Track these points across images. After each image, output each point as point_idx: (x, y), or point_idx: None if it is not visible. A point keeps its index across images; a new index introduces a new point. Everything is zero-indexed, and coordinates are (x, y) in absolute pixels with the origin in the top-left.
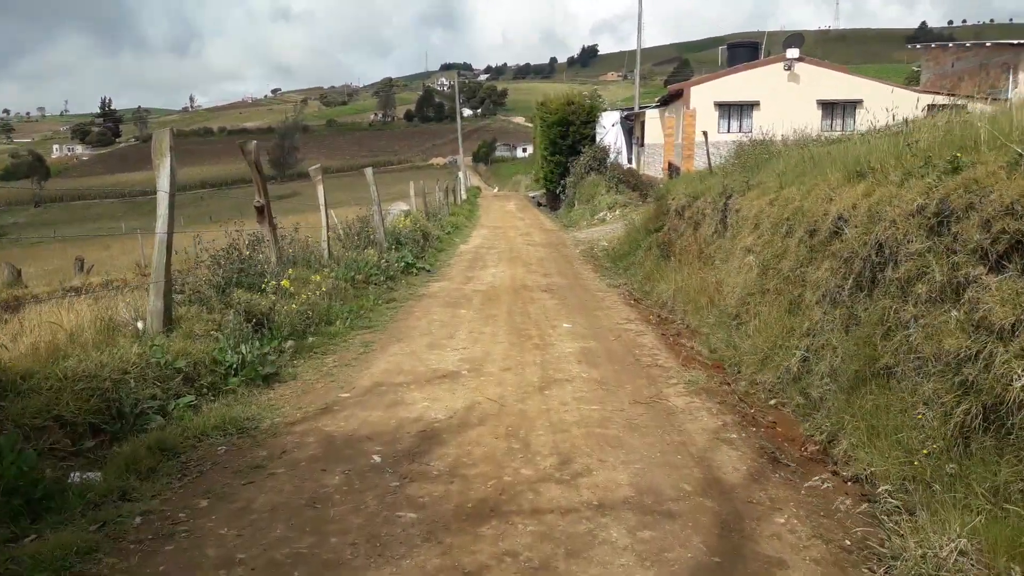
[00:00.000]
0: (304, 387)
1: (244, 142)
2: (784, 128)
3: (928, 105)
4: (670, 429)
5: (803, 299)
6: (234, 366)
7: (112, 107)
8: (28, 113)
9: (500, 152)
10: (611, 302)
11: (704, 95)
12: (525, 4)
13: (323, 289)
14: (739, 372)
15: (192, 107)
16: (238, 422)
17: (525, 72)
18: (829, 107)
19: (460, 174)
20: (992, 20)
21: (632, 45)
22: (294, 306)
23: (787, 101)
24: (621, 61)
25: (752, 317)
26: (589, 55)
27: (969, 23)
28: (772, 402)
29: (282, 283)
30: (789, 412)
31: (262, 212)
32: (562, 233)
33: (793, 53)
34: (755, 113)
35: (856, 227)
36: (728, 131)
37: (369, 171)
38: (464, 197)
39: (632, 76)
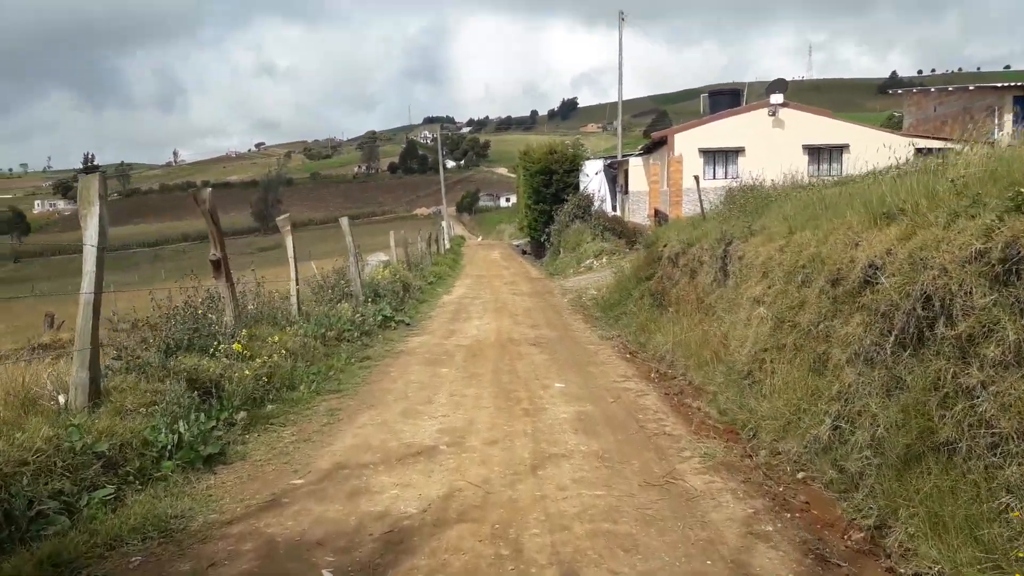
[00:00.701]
0: (252, 470)
1: (197, 190)
2: (772, 173)
3: (916, 149)
4: (692, 521)
5: (829, 357)
6: (169, 447)
7: (95, 162)
8: (11, 169)
9: (484, 202)
10: (605, 356)
11: (688, 142)
12: (507, 59)
13: (288, 348)
14: (756, 438)
15: (176, 162)
16: (163, 521)
17: (507, 125)
18: (815, 152)
19: (443, 223)
20: (960, 69)
21: (611, 98)
22: (247, 372)
23: (772, 146)
24: (601, 113)
25: (767, 375)
26: (569, 108)
27: (938, 72)
28: (800, 475)
29: (233, 346)
30: (821, 488)
31: (219, 267)
32: (548, 282)
33: (777, 98)
34: (740, 159)
35: (894, 276)
36: (713, 177)
37: (344, 220)
38: (448, 246)
39: (612, 127)
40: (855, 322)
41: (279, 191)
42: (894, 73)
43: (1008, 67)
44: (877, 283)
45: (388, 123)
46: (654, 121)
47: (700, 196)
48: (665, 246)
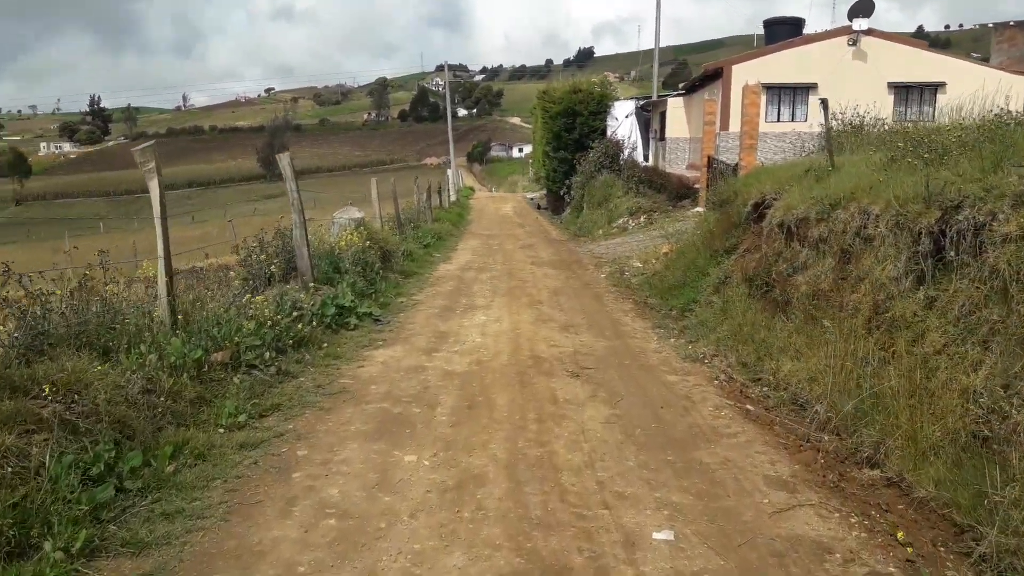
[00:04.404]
0: None
1: None
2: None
3: None
4: None
5: None
6: None
7: (101, 105)
8: (20, 111)
9: (496, 152)
10: (709, 408)
11: (747, 75)
12: (528, 8)
13: (97, 404)
14: None
15: (185, 106)
16: None
17: (521, 74)
18: (903, 91)
19: (450, 172)
20: (990, 24)
21: (632, 47)
22: None
23: (850, 83)
24: (618, 63)
25: None
26: (585, 56)
27: (966, 27)
28: None
29: None
30: None
31: None
32: (573, 245)
33: (861, 24)
34: (811, 97)
35: None
36: (778, 119)
37: (285, 157)
38: (454, 199)
39: (631, 77)
40: None
41: (286, 136)
42: (920, 27)
43: None
44: None
45: (402, 70)
46: (674, 71)
47: (829, 130)
48: (762, 205)
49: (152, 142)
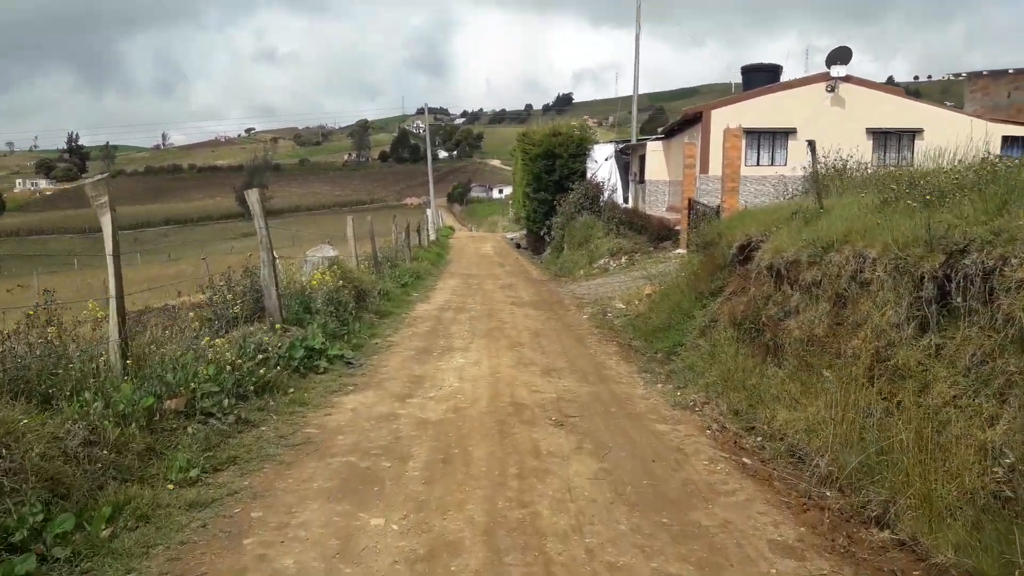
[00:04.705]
0: None
1: None
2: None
3: (1004, 137)
4: None
5: None
6: None
7: (80, 143)
8: None
9: (476, 193)
10: (704, 461)
11: (727, 120)
12: (510, 55)
13: (27, 462)
14: None
15: (164, 145)
16: None
17: (501, 117)
18: (881, 136)
19: (429, 212)
20: (961, 75)
21: (611, 93)
22: None
23: (829, 129)
24: (597, 108)
25: None
26: (564, 102)
27: (935, 79)
28: None
29: None
30: None
31: None
32: (554, 286)
33: (839, 71)
34: (790, 142)
35: None
36: (757, 163)
37: (254, 193)
38: (433, 238)
39: (608, 122)
40: None
41: (265, 177)
42: (890, 79)
43: (1008, 72)
44: None
45: (382, 112)
46: (651, 116)
47: (816, 172)
48: (748, 247)
49: (105, 175)
